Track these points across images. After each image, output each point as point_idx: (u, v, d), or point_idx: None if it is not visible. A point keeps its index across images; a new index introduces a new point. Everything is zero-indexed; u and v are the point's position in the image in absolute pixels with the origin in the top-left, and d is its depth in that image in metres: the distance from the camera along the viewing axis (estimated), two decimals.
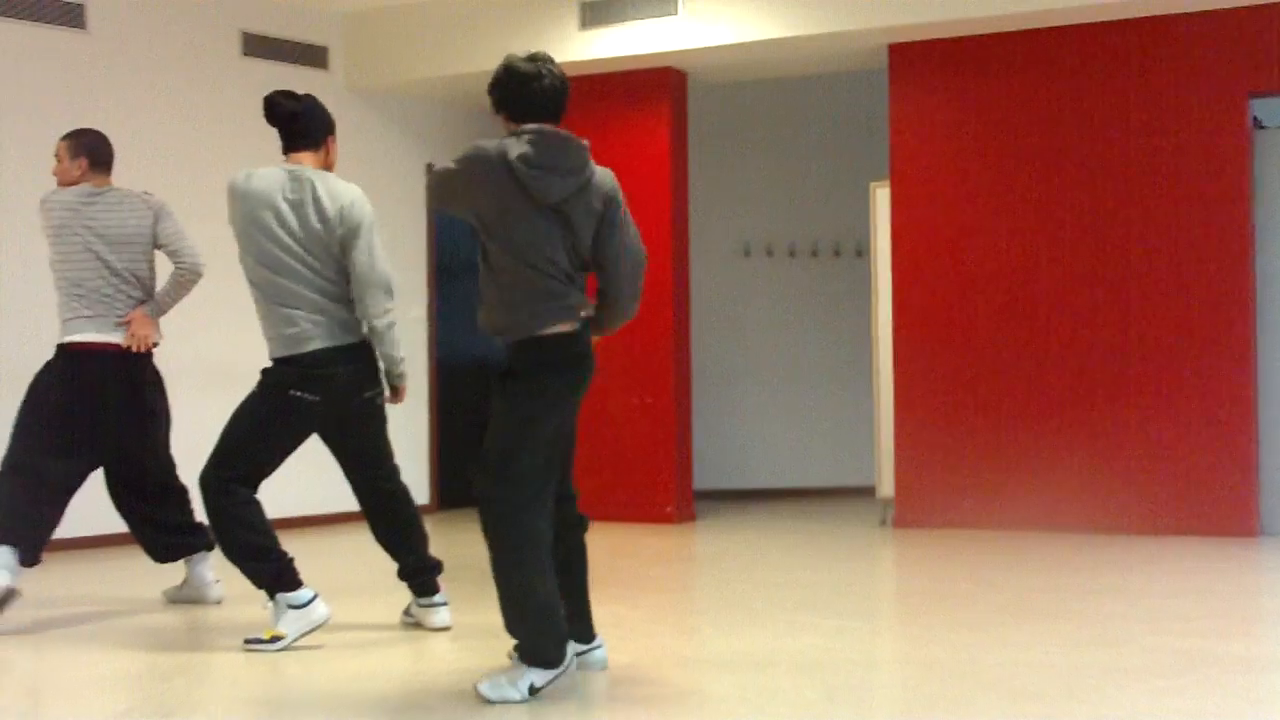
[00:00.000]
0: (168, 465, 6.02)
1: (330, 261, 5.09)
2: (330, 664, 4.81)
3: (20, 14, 7.98)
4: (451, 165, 4.28)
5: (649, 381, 9.10)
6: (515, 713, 4.06)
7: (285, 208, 5.00)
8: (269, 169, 5.09)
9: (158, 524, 6.01)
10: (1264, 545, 7.54)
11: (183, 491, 6.04)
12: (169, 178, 8.58)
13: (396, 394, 5.49)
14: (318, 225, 5.03)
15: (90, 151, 5.86)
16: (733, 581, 6.86)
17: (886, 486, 8.73)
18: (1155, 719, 3.93)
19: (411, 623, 5.47)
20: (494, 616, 4.30)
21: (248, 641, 4.97)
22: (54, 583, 6.47)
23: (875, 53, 8.73)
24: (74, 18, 8.21)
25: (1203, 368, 7.91)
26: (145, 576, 6.37)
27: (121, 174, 8.43)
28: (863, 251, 10.36)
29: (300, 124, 5.17)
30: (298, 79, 9.22)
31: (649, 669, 4.69)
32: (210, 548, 6.03)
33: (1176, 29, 7.99)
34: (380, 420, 5.36)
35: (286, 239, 4.99)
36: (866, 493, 9.33)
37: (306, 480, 6.81)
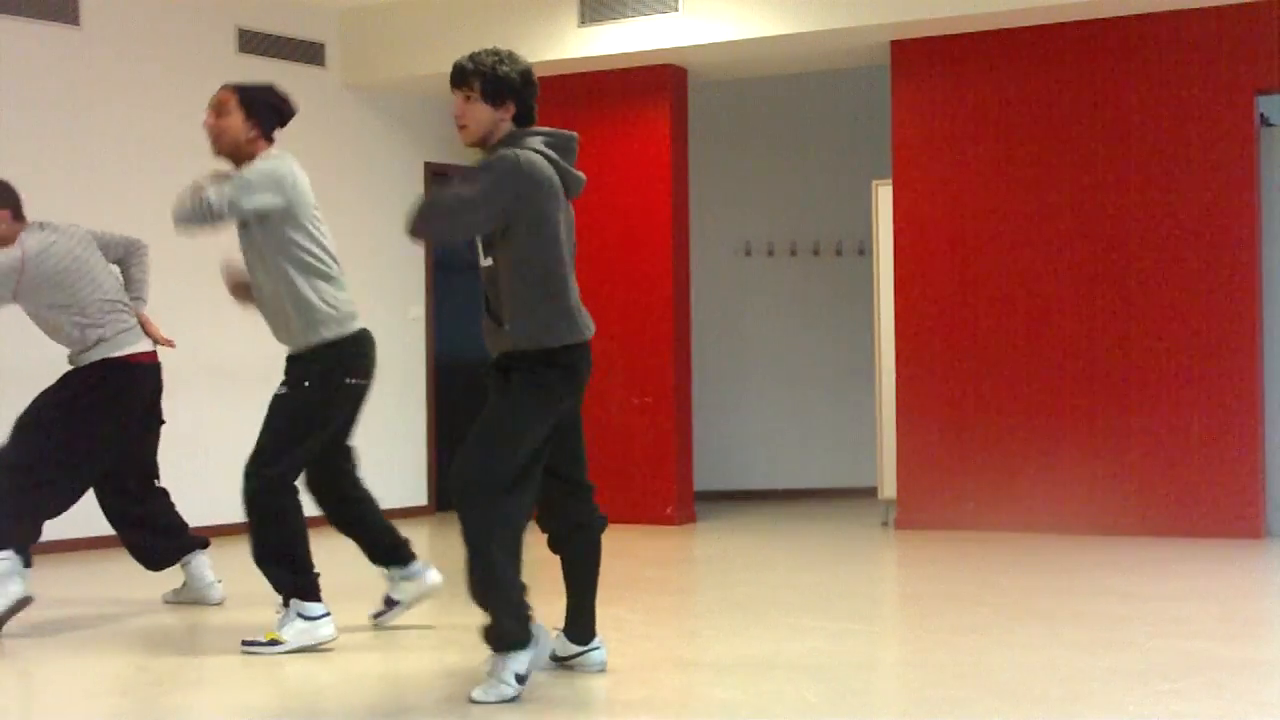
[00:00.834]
0: (155, 466, 6.00)
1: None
2: (329, 666, 4.76)
3: (12, 9, 7.93)
4: (489, 182, 4.15)
5: (649, 381, 9.05)
6: (515, 713, 4.02)
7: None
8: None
9: (152, 527, 5.96)
10: (1269, 547, 7.49)
11: (165, 492, 6.02)
12: (162, 174, 8.54)
13: None
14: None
15: (12, 204, 5.72)
16: (733, 583, 6.83)
17: (888, 487, 8.68)
18: None
19: (391, 617, 5.39)
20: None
21: (245, 643, 4.92)
22: (51, 584, 6.42)
23: (877, 49, 8.69)
24: (67, 13, 8.16)
25: (1208, 367, 7.86)
26: (144, 578, 6.32)
27: (117, 171, 8.43)
28: (864, 250, 10.31)
29: None
30: (294, 76, 9.18)
31: (649, 671, 4.65)
32: (205, 546, 6.00)
33: (1183, 26, 7.94)
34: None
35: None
36: (868, 494, 9.29)
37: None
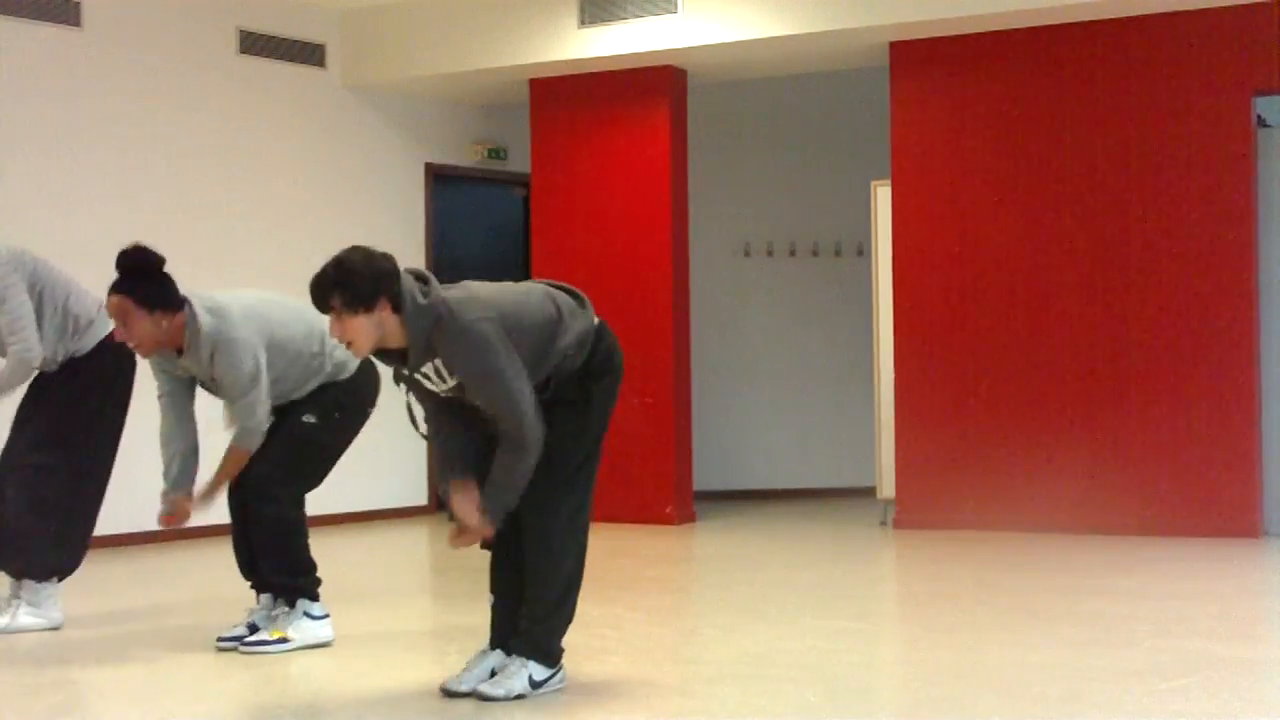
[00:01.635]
0: None
1: None
2: (330, 666, 4.78)
3: (14, 11, 7.94)
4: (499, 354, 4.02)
5: (649, 381, 9.06)
6: (516, 714, 4.03)
7: None
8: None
9: None
10: (1267, 546, 7.50)
11: None
12: (163, 175, 8.56)
13: None
14: None
15: None
16: (733, 583, 6.83)
17: (887, 487, 8.69)
18: None
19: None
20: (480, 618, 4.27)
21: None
22: None
23: (876, 51, 8.70)
24: (69, 14, 8.17)
25: (1206, 368, 7.87)
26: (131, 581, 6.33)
27: (117, 173, 8.44)
28: (863, 251, 10.31)
29: None
30: (294, 77, 9.20)
31: (649, 670, 4.66)
32: None
33: (1181, 27, 7.95)
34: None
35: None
36: (867, 493, 9.30)
37: None
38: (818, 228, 10.77)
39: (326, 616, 5.07)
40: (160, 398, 5.00)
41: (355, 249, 4.03)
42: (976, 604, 5.91)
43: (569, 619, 4.26)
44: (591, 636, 5.06)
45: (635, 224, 9.12)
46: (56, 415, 5.46)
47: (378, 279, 3.94)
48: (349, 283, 3.93)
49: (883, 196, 8.74)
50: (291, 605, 5.01)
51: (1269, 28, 7.76)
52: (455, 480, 4.11)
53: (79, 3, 8.21)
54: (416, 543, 8.87)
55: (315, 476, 5.14)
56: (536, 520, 4.17)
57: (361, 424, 5.26)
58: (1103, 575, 6.61)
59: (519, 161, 10.17)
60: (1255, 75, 7.81)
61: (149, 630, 5.48)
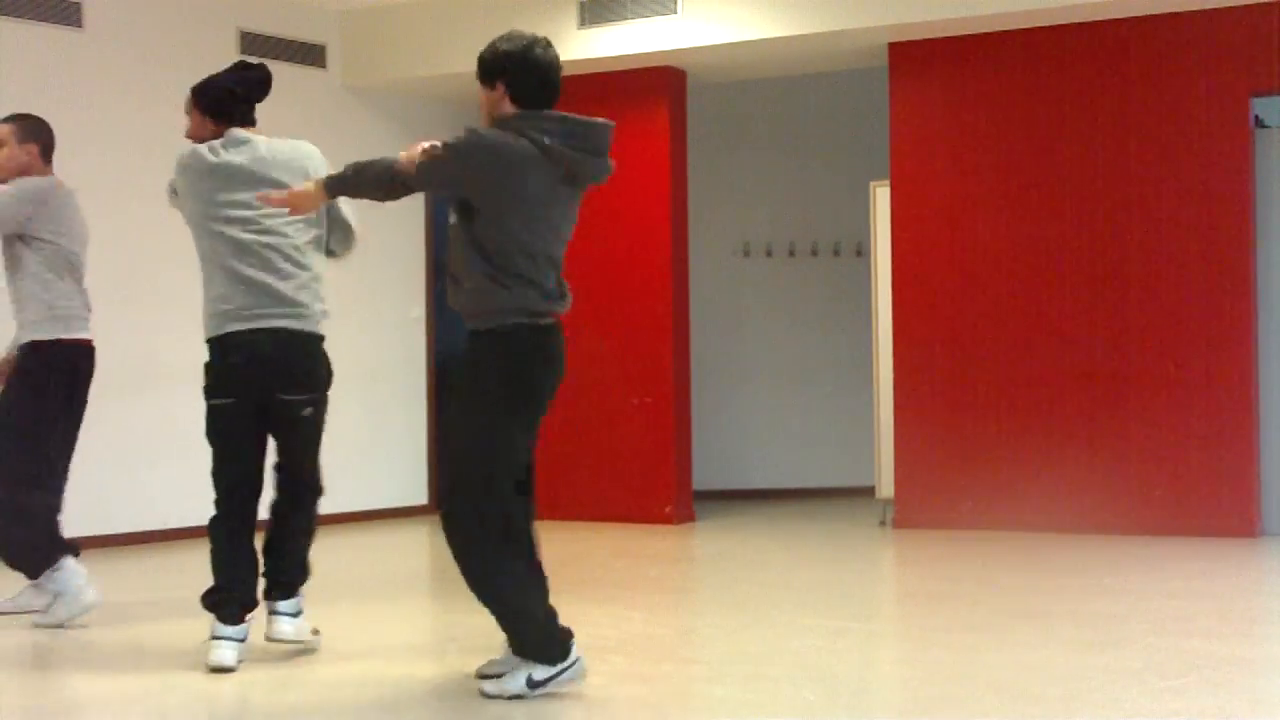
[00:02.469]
0: None
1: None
2: (330, 667, 4.79)
3: (16, 12, 7.95)
4: (470, 148, 4.17)
5: (648, 381, 9.07)
6: (515, 714, 4.04)
7: None
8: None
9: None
10: (1264, 545, 7.52)
11: None
12: (165, 176, 8.55)
13: None
14: None
15: (44, 142, 5.71)
16: (732, 582, 6.84)
17: (886, 487, 8.70)
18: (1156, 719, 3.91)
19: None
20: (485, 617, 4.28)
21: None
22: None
23: (875, 51, 8.71)
24: (70, 16, 8.18)
25: (1204, 367, 7.88)
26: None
27: (118, 173, 8.44)
28: (863, 251, 10.33)
29: None
30: (295, 77, 9.21)
31: (648, 670, 4.67)
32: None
33: (1179, 28, 7.97)
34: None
35: None
36: (866, 493, 9.31)
37: None
38: (817, 228, 10.78)
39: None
40: None
41: (515, 38, 4.43)
42: (975, 604, 5.92)
43: (532, 620, 4.16)
44: (591, 636, 5.07)
45: (635, 224, 9.13)
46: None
47: (503, 70, 4.33)
48: (482, 59, 4.43)
49: (882, 197, 8.75)
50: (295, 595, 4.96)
51: (1267, 29, 7.77)
52: None
53: (80, 4, 8.22)
54: (416, 543, 8.88)
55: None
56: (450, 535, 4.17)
57: None
58: (1101, 575, 6.62)
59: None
60: (1253, 76, 7.82)
61: (149, 630, 5.49)
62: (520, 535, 4.17)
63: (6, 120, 5.75)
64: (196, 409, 4.87)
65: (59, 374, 5.53)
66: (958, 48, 8.43)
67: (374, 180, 4.37)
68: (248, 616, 4.69)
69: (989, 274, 8.37)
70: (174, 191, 4.99)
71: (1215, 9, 7.85)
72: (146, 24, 8.56)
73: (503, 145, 4.13)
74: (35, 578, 5.51)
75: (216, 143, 4.88)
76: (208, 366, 4.78)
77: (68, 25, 8.17)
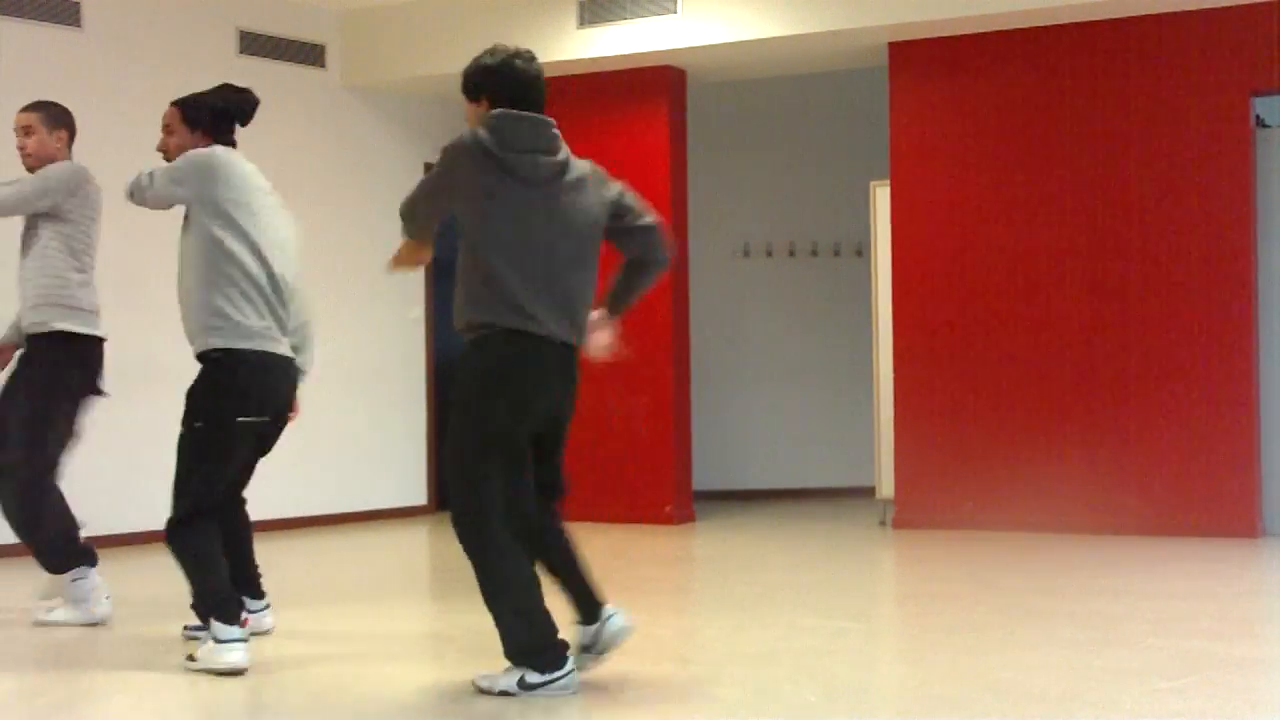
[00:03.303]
0: None
1: None
2: (329, 667, 4.78)
3: (15, 11, 7.95)
4: (429, 174, 4.28)
5: (648, 382, 9.07)
6: (514, 713, 4.04)
7: None
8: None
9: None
10: (1265, 546, 7.52)
11: None
12: None
13: None
14: None
15: (71, 129, 5.77)
16: (732, 582, 6.84)
17: (886, 487, 8.70)
18: None
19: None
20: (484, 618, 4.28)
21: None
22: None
23: (875, 51, 8.71)
24: (69, 15, 8.18)
25: (1204, 367, 7.88)
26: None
27: (118, 174, 8.41)
28: (863, 251, 10.33)
29: None
30: (294, 77, 9.21)
31: (648, 670, 4.67)
32: None
33: (1179, 27, 7.97)
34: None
35: None
36: (866, 493, 9.31)
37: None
38: (817, 228, 10.78)
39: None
40: None
41: (497, 52, 4.36)
42: (975, 604, 5.91)
43: (518, 616, 4.16)
44: None
45: None
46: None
47: (481, 84, 4.34)
48: (464, 75, 4.37)
49: (882, 197, 8.75)
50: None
51: (1267, 28, 7.77)
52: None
53: (79, 3, 8.22)
54: (416, 543, 8.88)
55: None
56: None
57: None
58: (1101, 575, 6.62)
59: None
60: (1254, 76, 7.82)
61: (148, 630, 5.49)
62: (529, 537, 4.22)
63: (32, 108, 5.77)
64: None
65: (73, 367, 5.53)
66: (958, 48, 8.43)
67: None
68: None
69: (989, 274, 8.36)
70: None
71: (1215, 9, 7.85)
72: (146, 24, 8.56)
73: (461, 152, 4.19)
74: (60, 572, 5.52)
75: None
76: (234, 383, 4.72)
77: (68, 25, 8.17)
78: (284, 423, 4.99)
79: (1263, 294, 7.92)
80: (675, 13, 8.62)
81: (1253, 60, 7.82)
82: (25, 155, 5.67)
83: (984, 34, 8.33)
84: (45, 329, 5.46)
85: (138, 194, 4.89)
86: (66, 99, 8.10)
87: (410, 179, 9.85)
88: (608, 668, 4.56)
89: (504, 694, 4.16)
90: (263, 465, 5.10)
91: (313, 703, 4.34)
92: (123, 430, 7.89)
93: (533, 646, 4.17)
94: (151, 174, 4.87)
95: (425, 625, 6.00)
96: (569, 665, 4.20)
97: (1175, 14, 7.94)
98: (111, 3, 8.38)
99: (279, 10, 9.19)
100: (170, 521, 4.66)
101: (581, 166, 4.36)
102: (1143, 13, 7.97)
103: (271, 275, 4.76)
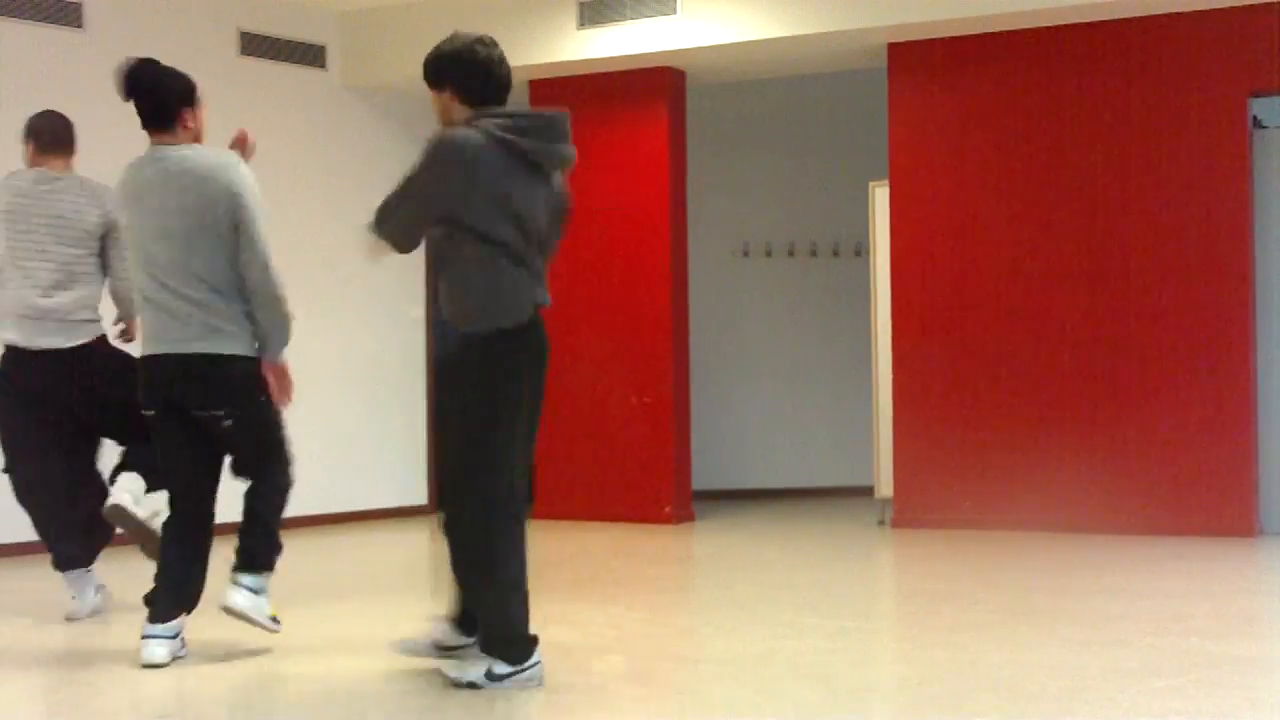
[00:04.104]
0: None
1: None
2: (328, 667, 4.79)
3: (17, 12, 7.96)
4: (415, 177, 4.30)
5: (647, 381, 9.09)
6: (513, 712, 4.05)
7: None
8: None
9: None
10: (1263, 545, 7.53)
11: None
12: None
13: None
14: None
15: (35, 135, 5.76)
16: (731, 582, 6.85)
17: (885, 486, 8.72)
18: (1155, 719, 3.92)
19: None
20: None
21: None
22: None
23: (874, 52, 8.72)
24: (71, 16, 8.19)
25: (1202, 367, 7.89)
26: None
27: (118, 174, 8.41)
28: (862, 251, 10.34)
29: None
30: (294, 78, 9.22)
31: (647, 669, 4.68)
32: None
33: (1177, 28, 7.98)
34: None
35: None
36: (865, 493, 9.32)
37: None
38: (816, 228, 10.79)
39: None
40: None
41: (456, 38, 4.49)
42: (974, 603, 5.92)
43: (509, 617, 4.22)
44: (590, 635, 5.09)
45: (634, 224, 9.14)
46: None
47: (445, 71, 4.43)
48: (426, 62, 4.41)
49: (881, 197, 8.77)
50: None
51: (1266, 29, 7.78)
52: None
53: (80, 4, 8.23)
54: (416, 543, 8.89)
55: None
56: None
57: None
58: (1100, 574, 6.63)
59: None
60: (1252, 76, 7.84)
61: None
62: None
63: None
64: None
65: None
66: (956, 49, 8.45)
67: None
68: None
69: (988, 274, 8.38)
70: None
71: (1214, 9, 7.87)
72: (146, 24, 8.56)
73: (459, 144, 4.21)
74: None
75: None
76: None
77: (68, 25, 8.18)
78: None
79: (1261, 294, 7.94)
80: (675, 14, 8.63)
81: (1251, 61, 7.83)
82: None
83: (984, 35, 8.34)
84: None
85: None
86: (67, 100, 8.14)
87: None
88: (608, 667, 4.57)
89: (471, 685, 4.21)
90: None
91: (311, 702, 4.34)
92: None
93: (507, 637, 4.22)
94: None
95: (425, 625, 6.00)
96: (536, 658, 4.25)
97: (1174, 15, 7.96)
98: (112, 4, 8.39)
99: (279, 11, 9.20)
100: None
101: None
102: (1142, 14, 7.98)
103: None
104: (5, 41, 7.94)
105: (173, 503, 4.83)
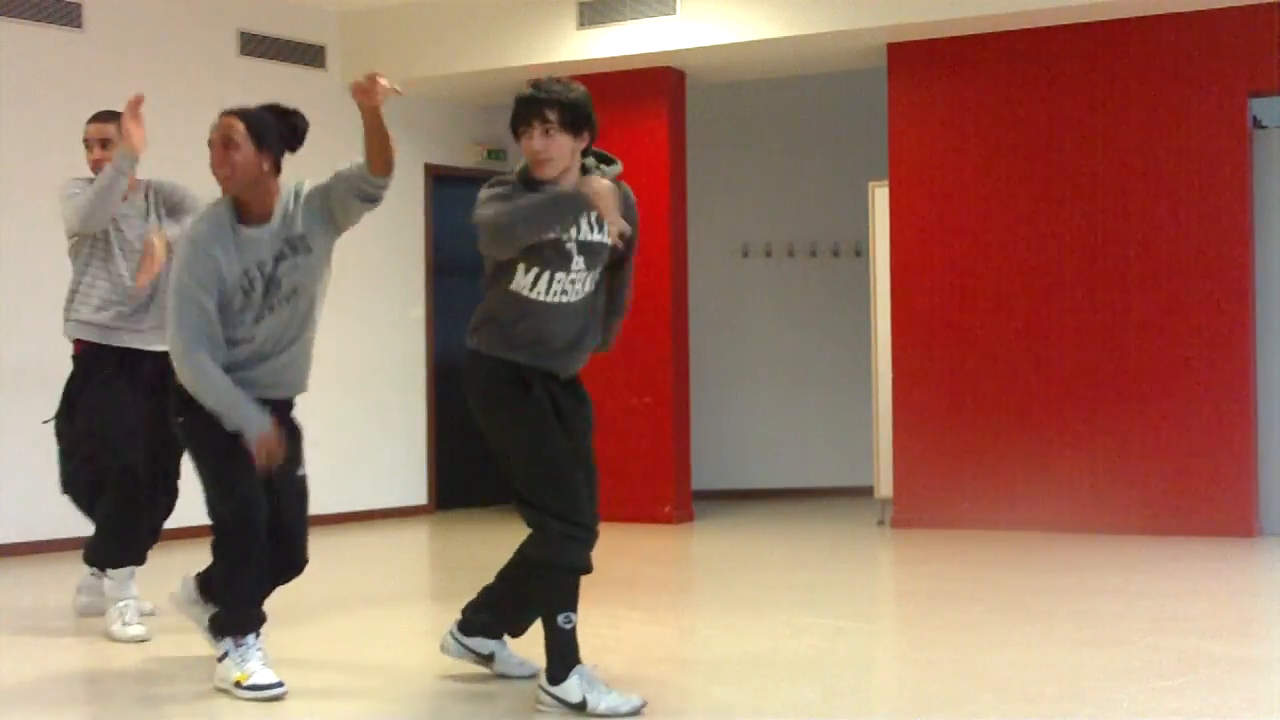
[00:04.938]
0: None
1: None
2: (328, 667, 4.79)
3: (17, 13, 7.96)
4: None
5: (647, 382, 9.09)
6: (513, 712, 4.05)
7: None
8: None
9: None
10: (1263, 545, 7.53)
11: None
12: (165, 176, 8.57)
13: None
14: None
15: None
16: (731, 582, 6.85)
17: (885, 486, 8.72)
18: (1155, 719, 3.92)
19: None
20: None
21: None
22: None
23: (874, 52, 8.72)
24: (71, 17, 8.19)
25: (1203, 367, 7.90)
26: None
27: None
28: (861, 251, 10.34)
29: None
30: (295, 78, 9.23)
31: (647, 670, 4.68)
32: None
33: (1177, 29, 7.98)
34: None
35: None
36: (865, 493, 9.33)
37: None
38: (816, 228, 10.79)
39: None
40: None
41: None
42: (974, 603, 5.93)
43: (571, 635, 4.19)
44: (590, 635, 5.07)
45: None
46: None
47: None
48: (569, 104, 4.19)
49: (880, 197, 8.77)
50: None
51: (1265, 30, 7.79)
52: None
53: (80, 5, 8.23)
54: (416, 543, 8.89)
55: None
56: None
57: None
58: (1100, 574, 6.63)
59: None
60: (1251, 77, 7.84)
61: (148, 629, 5.50)
62: None
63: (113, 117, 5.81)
64: None
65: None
66: (956, 49, 8.45)
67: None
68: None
69: (988, 274, 8.38)
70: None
71: (1214, 9, 7.87)
72: (146, 24, 8.57)
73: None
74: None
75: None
76: None
77: (68, 25, 8.18)
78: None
79: (1260, 294, 7.94)
80: (674, 14, 8.63)
81: (1250, 61, 7.84)
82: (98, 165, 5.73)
83: (982, 35, 8.34)
84: None
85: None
86: (66, 100, 8.16)
87: (410, 179, 9.92)
88: (608, 668, 4.57)
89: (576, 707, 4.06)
90: None
91: (311, 702, 4.35)
92: None
93: (575, 659, 4.13)
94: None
95: (425, 625, 6.00)
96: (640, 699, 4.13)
97: (1174, 15, 7.96)
98: (112, 4, 8.39)
99: (279, 11, 9.20)
100: None
101: None
102: (1141, 13, 7.98)
103: None
104: (5, 41, 7.94)
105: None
